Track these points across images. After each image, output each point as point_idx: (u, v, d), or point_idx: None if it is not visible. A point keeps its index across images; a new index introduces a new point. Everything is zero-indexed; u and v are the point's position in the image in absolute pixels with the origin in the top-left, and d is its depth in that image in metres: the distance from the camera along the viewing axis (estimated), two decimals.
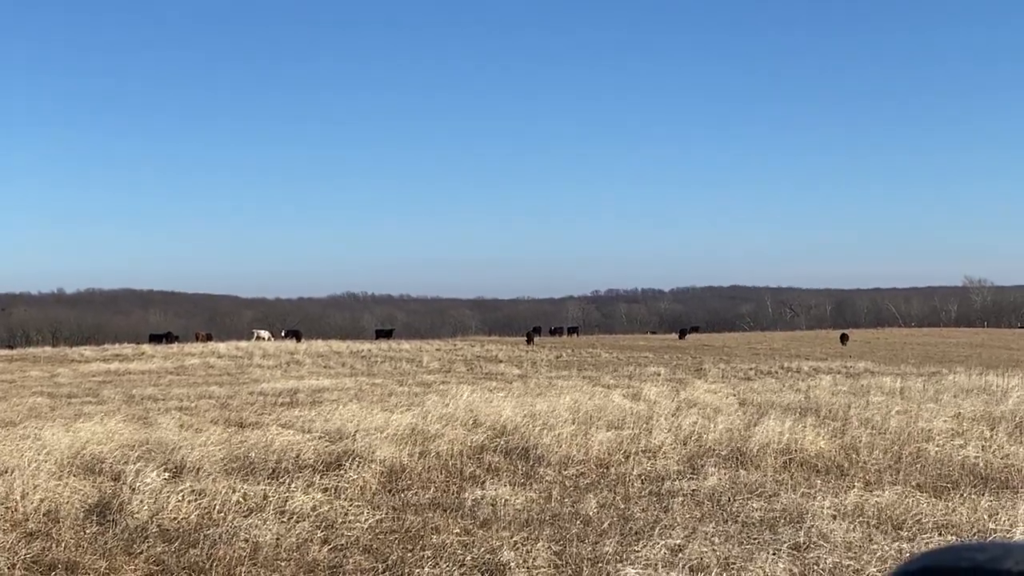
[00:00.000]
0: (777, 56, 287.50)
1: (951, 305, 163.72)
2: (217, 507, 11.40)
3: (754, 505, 11.59)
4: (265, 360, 49.13)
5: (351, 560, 9.55)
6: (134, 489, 11.84)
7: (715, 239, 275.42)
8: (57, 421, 19.42)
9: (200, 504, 11.46)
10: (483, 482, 13.29)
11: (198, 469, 13.33)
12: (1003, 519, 10.58)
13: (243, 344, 64.37)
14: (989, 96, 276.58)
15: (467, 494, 12.46)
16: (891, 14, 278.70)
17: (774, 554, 9.03)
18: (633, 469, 14.22)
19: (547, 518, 11.23)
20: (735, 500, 11.92)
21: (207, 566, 9.31)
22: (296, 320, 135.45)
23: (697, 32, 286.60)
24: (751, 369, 42.09)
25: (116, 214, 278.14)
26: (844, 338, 71.38)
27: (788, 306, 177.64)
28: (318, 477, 13.17)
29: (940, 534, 10.14)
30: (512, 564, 9.07)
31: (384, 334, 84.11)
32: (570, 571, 9.07)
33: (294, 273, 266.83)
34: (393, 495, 12.71)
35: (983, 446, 15.54)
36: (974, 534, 10.22)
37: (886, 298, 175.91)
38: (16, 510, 11.37)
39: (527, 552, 9.40)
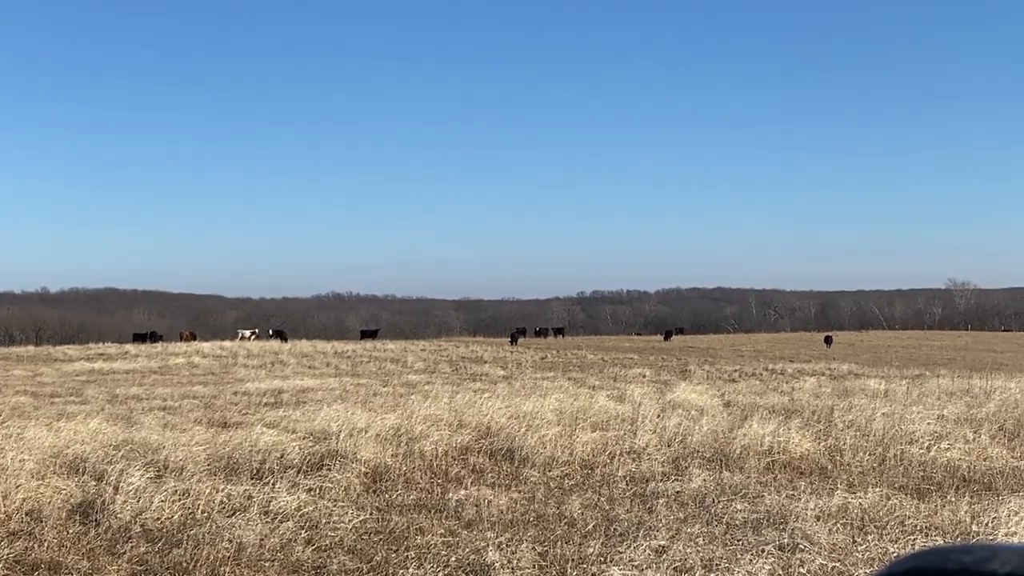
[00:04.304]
0: (761, 56, 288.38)
1: (935, 308, 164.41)
2: (201, 507, 11.37)
3: (738, 507, 11.62)
4: (249, 360, 49.02)
5: (335, 561, 9.53)
6: (117, 489, 11.78)
7: (700, 241, 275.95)
8: (40, 420, 19.33)
9: (184, 504, 11.43)
10: (467, 483, 13.29)
11: (182, 469, 13.27)
12: (985, 521, 10.63)
13: (227, 344, 64.26)
14: (974, 97, 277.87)
15: (452, 495, 12.45)
16: (878, 13, 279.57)
17: (758, 556, 9.04)
18: (618, 470, 14.24)
19: (532, 519, 11.23)
20: (719, 501, 11.94)
21: (191, 566, 9.27)
22: (281, 320, 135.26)
23: (683, 31, 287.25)
24: (735, 371, 42.18)
25: (100, 213, 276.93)
26: (828, 340, 71.62)
27: (772, 308, 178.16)
28: (302, 477, 13.13)
29: (923, 536, 10.18)
30: (497, 565, 9.07)
31: (369, 334, 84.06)
32: (554, 572, 9.07)
33: (279, 273, 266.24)
34: (377, 496, 12.69)
35: (966, 449, 15.61)
36: (957, 536, 10.27)
37: (870, 300, 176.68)
38: None
39: (512, 553, 9.40)
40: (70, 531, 10.60)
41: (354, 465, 13.71)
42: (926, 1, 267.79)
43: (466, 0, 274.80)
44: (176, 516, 11.13)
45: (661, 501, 12.07)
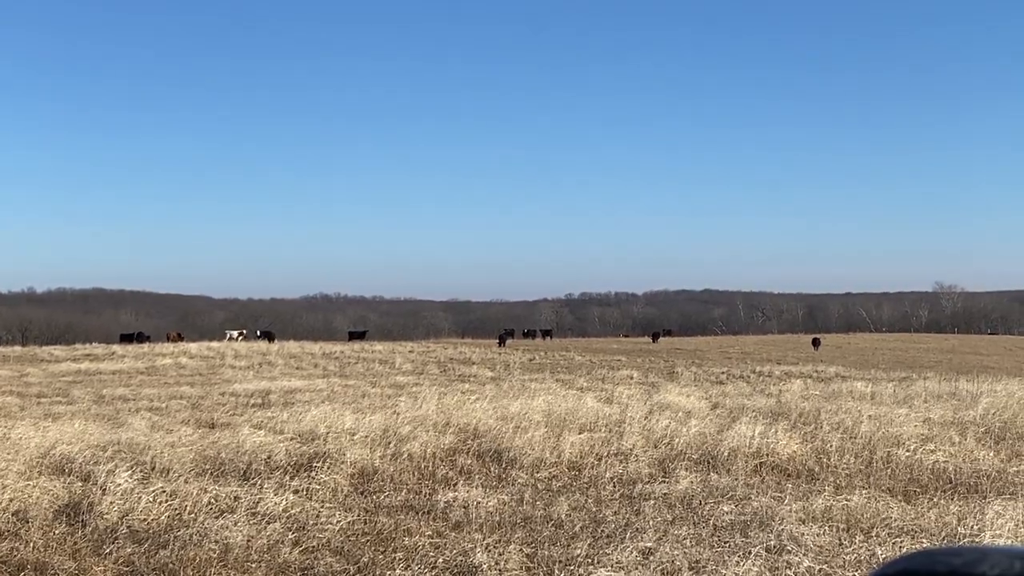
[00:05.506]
0: (759, 56, 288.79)
1: (922, 311, 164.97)
2: (188, 508, 11.34)
3: (725, 509, 11.63)
4: (237, 361, 48.92)
5: (322, 562, 9.52)
6: (104, 490, 11.75)
7: (688, 243, 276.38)
8: (26, 421, 19.27)
9: (171, 505, 11.39)
10: (455, 484, 13.28)
11: (169, 470, 13.24)
12: (972, 524, 10.65)
13: (215, 344, 64.13)
14: (969, 98, 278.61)
15: (439, 496, 12.44)
16: (878, 13, 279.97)
17: (745, 557, 9.05)
18: (605, 472, 14.24)
19: (519, 520, 11.23)
20: (706, 504, 11.95)
21: (177, 568, 9.25)
22: (269, 321, 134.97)
23: (682, 31, 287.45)
24: (723, 373, 42.23)
25: (87, 213, 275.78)
26: (816, 342, 71.81)
27: (760, 310, 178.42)
28: (289, 478, 13.11)
29: (910, 538, 10.20)
30: (484, 566, 9.06)
31: (357, 335, 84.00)
32: (542, 573, 9.07)
33: (267, 274, 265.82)
34: (365, 497, 12.68)
35: (952, 451, 15.66)
36: (943, 538, 10.29)
37: (857, 303, 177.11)
38: None
39: (499, 554, 9.39)
40: (56, 532, 10.55)
41: (342, 466, 13.70)
42: (926, 1, 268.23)
43: (466, 0, 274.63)
44: (163, 517, 11.10)
45: (648, 503, 12.08)
